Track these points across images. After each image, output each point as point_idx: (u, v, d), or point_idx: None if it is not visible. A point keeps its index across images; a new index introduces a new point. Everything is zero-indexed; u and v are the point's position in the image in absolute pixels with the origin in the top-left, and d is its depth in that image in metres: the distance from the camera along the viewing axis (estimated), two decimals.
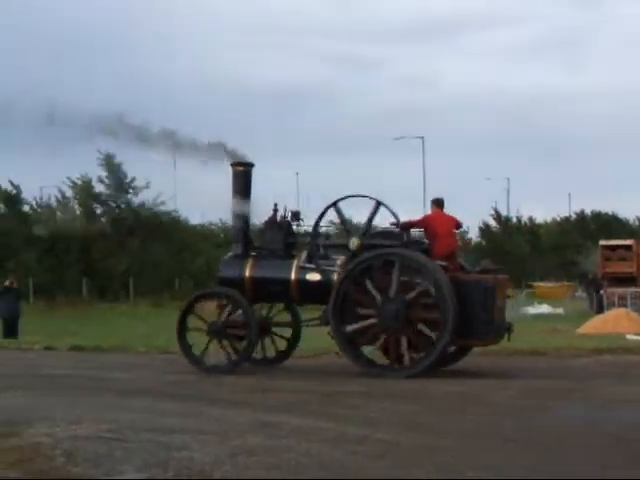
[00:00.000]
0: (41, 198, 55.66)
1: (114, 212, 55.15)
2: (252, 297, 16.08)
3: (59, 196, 54.82)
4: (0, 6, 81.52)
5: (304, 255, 15.93)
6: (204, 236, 60.58)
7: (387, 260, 15.05)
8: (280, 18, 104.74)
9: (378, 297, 14.90)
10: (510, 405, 11.73)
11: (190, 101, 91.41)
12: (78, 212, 54.58)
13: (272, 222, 16.33)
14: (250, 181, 16.56)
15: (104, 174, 54.64)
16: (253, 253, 16.42)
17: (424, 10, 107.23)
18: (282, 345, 17.06)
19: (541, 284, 58.93)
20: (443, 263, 15.11)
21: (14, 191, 53.04)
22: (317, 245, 15.80)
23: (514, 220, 79.69)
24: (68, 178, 54.20)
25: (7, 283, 28.02)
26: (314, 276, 15.70)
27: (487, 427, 9.97)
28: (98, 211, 55.79)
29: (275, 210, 16.38)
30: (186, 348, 16.06)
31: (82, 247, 51.60)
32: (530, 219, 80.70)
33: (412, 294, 14.80)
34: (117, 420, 9.74)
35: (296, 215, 16.38)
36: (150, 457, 7.87)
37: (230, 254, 16.73)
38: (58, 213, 53.61)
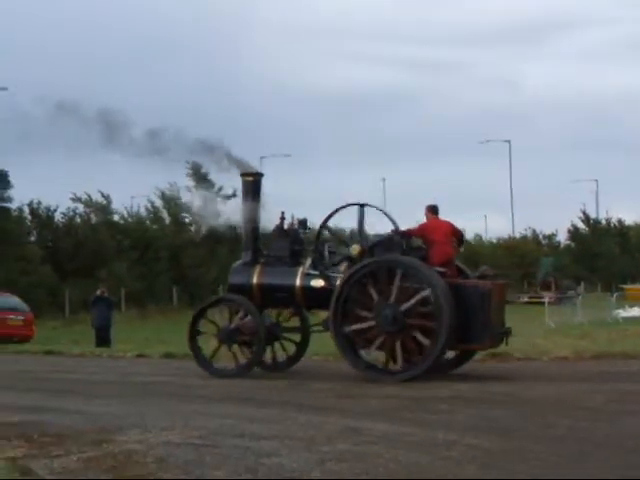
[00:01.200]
0: (131, 208, 56.46)
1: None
2: (260, 303, 16.50)
3: (149, 206, 55.52)
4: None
5: (309, 262, 16.29)
6: None
7: (387, 266, 15.28)
8: (358, 24, 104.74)
9: (377, 301, 15.10)
10: (601, 409, 11.52)
11: (266, 109, 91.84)
12: (167, 222, 55.19)
13: (279, 230, 16.71)
14: (259, 190, 16.97)
15: (192, 184, 55.17)
16: (262, 260, 16.75)
17: (507, 12, 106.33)
18: (292, 350, 17.41)
19: (631, 286, 57.95)
20: (441, 269, 15.32)
21: (105, 201, 53.80)
22: (321, 252, 16.17)
23: (603, 222, 78.54)
24: (157, 188, 54.89)
25: (99, 292, 28.46)
26: (318, 282, 16.09)
27: (578, 432, 9.80)
28: (187, 220, 56.34)
29: (282, 218, 16.77)
30: (196, 351, 16.52)
31: (172, 256, 52.15)
32: (619, 221, 79.53)
33: (410, 302, 14.94)
34: (207, 427, 9.82)
35: (303, 223, 16.83)
36: (239, 463, 7.91)
37: (240, 261, 17.11)
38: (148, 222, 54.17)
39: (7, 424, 10.23)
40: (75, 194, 52.63)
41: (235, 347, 16.39)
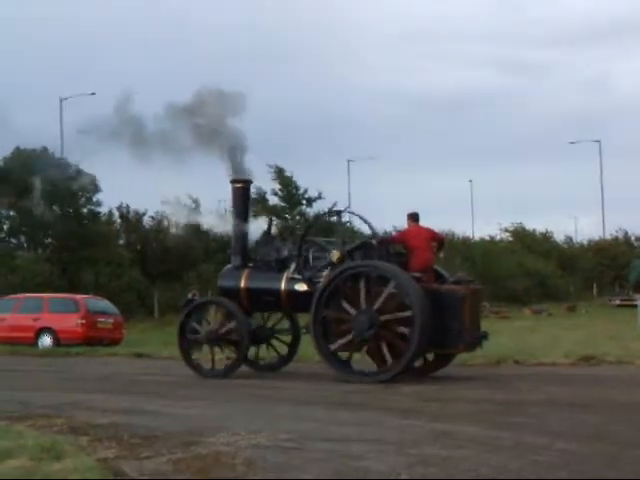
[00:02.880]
0: (219, 210, 56.97)
1: (288, 223, 55.91)
2: (247, 306, 17.42)
3: None
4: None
5: (293, 266, 16.93)
6: None
7: (362, 272, 15.79)
8: (451, 26, 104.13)
9: (352, 311, 15.68)
10: None
11: (355, 111, 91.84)
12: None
13: (267, 236, 17.67)
14: (249, 196, 18.22)
15: (277, 187, 55.55)
16: (250, 265, 17.57)
17: (595, 12, 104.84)
18: (283, 351, 18.45)
19: None
20: (417, 274, 15.82)
21: (193, 205, 54.34)
22: (306, 257, 16.83)
23: None
24: None
25: (190, 295, 28.70)
26: (302, 286, 16.74)
27: None
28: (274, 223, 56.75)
29: (270, 224, 17.96)
30: (185, 353, 17.47)
31: None
32: None
33: (390, 315, 15.48)
34: (295, 429, 9.85)
35: (289, 229, 17.24)
36: (327, 466, 7.93)
37: (230, 265, 17.93)
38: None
39: (98, 425, 10.41)
40: (164, 197, 53.30)
41: (216, 349, 17.37)
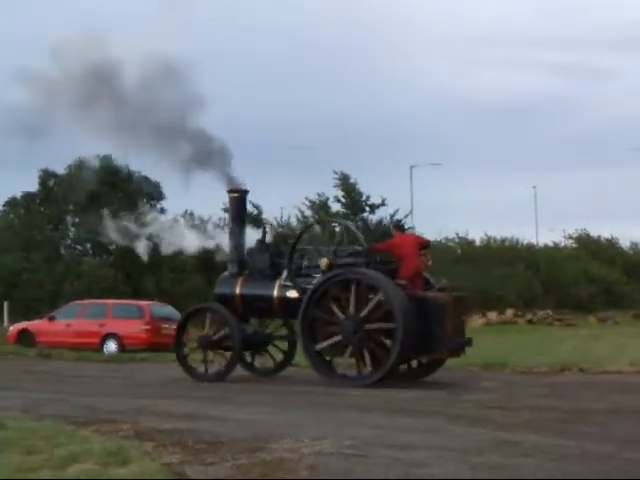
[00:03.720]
0: (281, 218, 57.08)
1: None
2: (242, 312, 18.03)
3: (299, 215, 56.10)
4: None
5: (285, 274, 17.44)
6: (441, 252, 60.52)
7: (348, 280, 16.34)
8: (508, 31, 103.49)
9: (340, 315, 16.26)
10: None
11: (416, 117, 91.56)
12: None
13: (261, 244, 18.13)
14: (245, 206, 18.92)
15: (340, 193, 55.54)
16: (246, 272, 18.09)
17: None
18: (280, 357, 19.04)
19: None
20: (403, 282, 16.33)
21: (255, 211, 54.55)
22: (299, 265, 17.38)
23: None
24: (306, 198, 55.44)
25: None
26: (293, 293, 17.25)
27: None
28: (337, 229, 56.73)
29: (264, 232, 18.52)
30: (181, 358, 18.19)
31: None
32: None
33: (367, 311, 16.06)
34: (358, 436, 9.87)
35: (283, 237, 18.42)
36: (390, 473, 7.94)
37: (226, 273, 18.50)
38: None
39: (163, 431, 10.51)
40: (226, 204, 53.63)
41: (211, 354, 18.05)
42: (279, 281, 17.55)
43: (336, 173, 55.09)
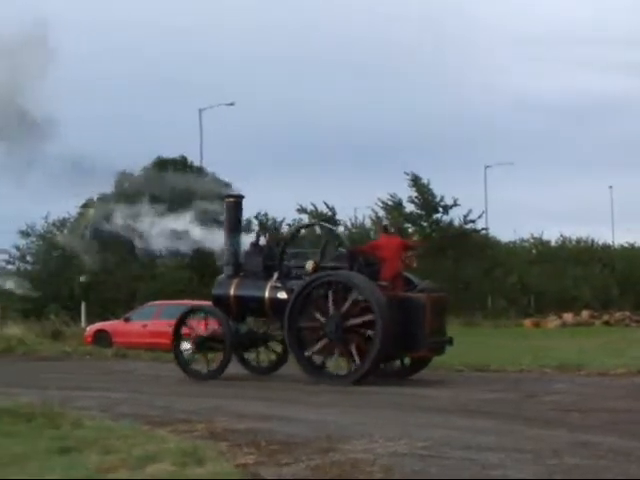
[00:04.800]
0: (355, 218, 57.14)
1: (425, 231, 55.71)
2: (236, 313, 18.76)
3: (372, 216, 56.07)
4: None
5: (276, 275, 18.17)
6: (516, 253, 60.10)
7: (329, 281, 17.09)
8: (584, 30, 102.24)
9: (322, 318, 17.01)
10: None
11: (490, 117, 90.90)
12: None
13: (254, 247, 18.91)
14: (241, 210, 19.43)
15: (414, 194, 55.38)
16: (242, 274, 18.85)
17: None
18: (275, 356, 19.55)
19: None
20: (383, 283, 17.04)
21: (329, 212, 54.65)
22: (289, 267, 18.16)
23: None
24: (379, 199, 55.37)
25: None
26: (283, 294, 17.92)
27: None
28: (410, 230, 56.59)
29: (258, 235, 19.45)
30: (178, 356, 18.97)
31: None
32: None
33: (353, 321, 16.74)
34: (432, 437, 9.87)
35: (276, 240, 19.23)
36: (465, 474, 7.93)
37: (223, 275, 19.31)
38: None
39: (237, 431, 10.60)
40: (301, 205, 53.77)
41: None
42: (270, 282, 18.27)
43: (407, 174, 54.96)
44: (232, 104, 53.30)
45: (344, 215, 56.39)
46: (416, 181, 54.94)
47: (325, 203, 54.06)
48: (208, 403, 13.69)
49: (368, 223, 56.63)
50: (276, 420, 11.66)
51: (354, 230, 55.18)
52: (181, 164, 50.03)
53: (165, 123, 74.57)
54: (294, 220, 53.65)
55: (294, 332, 17.36)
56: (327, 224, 18.84)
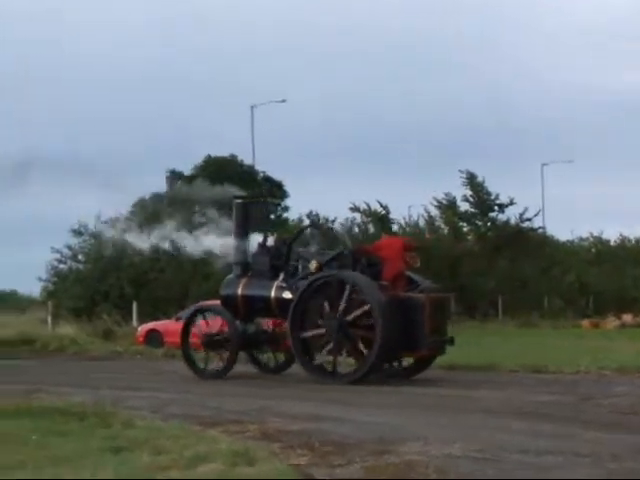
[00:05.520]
0: (409, 217, 56.94)
1: (480, 230, 55.43)
2: (244, 312, 19.12)
3: (425, 216, 55.87)
4: None
5: (282, 276, 18.57)
6: (574, 252, 59.63)
7: (331, 281, 17.54)
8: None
9: (327, 311, 17.39)
10: None
11: (546, 113, 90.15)
12: (445, 231, 55.38)
13: (262, 247, 19.14)
14: (249, 211, 19.90)
15: (468, 193, 55.10)
16: (249, 274, 19.23)
17: None
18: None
19: None
20: (384, 283, 17.45)
21: (383, 211, 54.54)
22: (295, 267, 18.61)
23: None
24: (434, 198, 55.15)
25: None
26: (288, 294, 18.25)
27: None
28: (465, 229, 56.36)
29: (265, 236, 19.45)
30: (187, 355, 19.43)
31: (450, 265, 52.23)
32: None
33: (353, 314, 17.15)
34: (488, 440, 9.82)
35: (283, 240, 19.41)
36: (521, 478, 7.88)
37: (231, 275, 19.69)
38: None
39: (289, 432, 10.63)
40: (354, 204, 53.65)
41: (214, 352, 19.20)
42: (277, 282, 18.65)
43: (462, 172, 54.67)
44: (283, 101, 53.51)
45: (398, 214, 56.10)
46: (471, 179, 54.64)
47: (379, 202, 53.93)
48: (257, 404, 13.73)
49: (422, 222, 56.43)
50: (328, 421, 11.69)
51: (407, 229, 54.95)
52: (232, 162, 50.28)
53: (215, 121, 75.00)
54: (346, 219, 53.66)
55: (299, 343, 17.76)
56: (328, 224, 19.52)
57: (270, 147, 70.34)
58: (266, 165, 54.85)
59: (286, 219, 53.16)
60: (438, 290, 18.81)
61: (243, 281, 19.20)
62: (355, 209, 53.70)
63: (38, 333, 32.42)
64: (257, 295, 18.97)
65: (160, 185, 49.12)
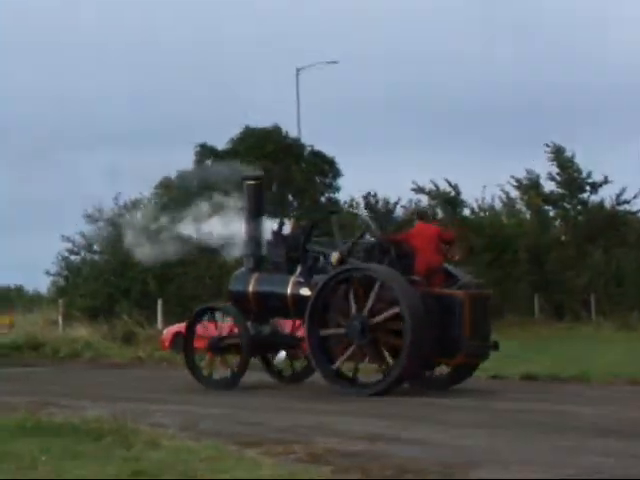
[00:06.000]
0: (483, 199, 56.45)
1: (569, 215, 54.83)
2: (256, 311, 19.11)
3: (503, 197, 55.35)
4: None
5: (299, 270, 18.45)
6: None
7: (364, 275, 17.41)
8: None
9: (349, 310, 17.35)
10: None
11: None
12: (527, 216, 54.86)
13: (276, 236, 19.03)
14: (262, 195, 19.72)
15: (555, 170, 54.49)
16: (262, 267, 19.24)
17: None
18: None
19: None
20: (415, 278, 17.35)
21: (452, 192, 54.05)
22: (316, 259, 18.46)
23: None
24: (512, 177, 54.56)
25: None
26: (307, 291, 18.14)
27: None
28: (551, 214, 55.78)
29: (281, 224, 19.27)
30: (190, 363, 19.41)
31: (532, 257, 51.86)
32: None
33: (381, 317, 17.12)
34: (578, 465, 9.72)
35: (302, 228, 19.11)
36: None
37: (242, 268, 19.69)
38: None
39: (343, 454, 10.58)
40: (417, 184, 53.24)
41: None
42: (293, 277, 18.57)
43: (548, 146, 53.92)
44: (335, 62, 53.38)
45: (469, 196, 55.53)
46: (558, 154, 53.94)
47: (447, 181, 53.56)
48: (307, 420, 13.75)
49: (498, 205, 55.90)
50: (397, 442, 11.65)
51: (481, 214, 54.56)
52: (274, 135, 50.25)
53: (256, 86, 75.04)
54: (410, 201, 53.30)
55: (318, 346, 17.72)
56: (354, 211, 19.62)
57: (319, 117, 70.15)
58: (314, 138, 54.81)
59: (337, 201, 53.00)
60: (480, 286, 18.60)
61: (255, 276, 19.14)
62: (419, 190, 53.25)
63: (47, 336, 32.71)
64: (271, 292, 18.95)
65: (187, 162, 49.10)
